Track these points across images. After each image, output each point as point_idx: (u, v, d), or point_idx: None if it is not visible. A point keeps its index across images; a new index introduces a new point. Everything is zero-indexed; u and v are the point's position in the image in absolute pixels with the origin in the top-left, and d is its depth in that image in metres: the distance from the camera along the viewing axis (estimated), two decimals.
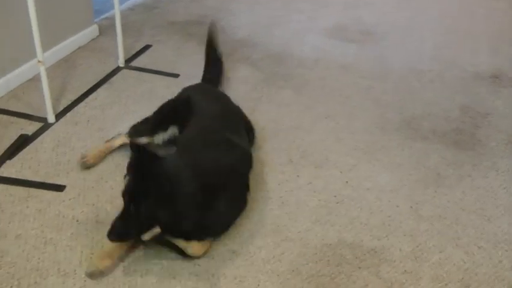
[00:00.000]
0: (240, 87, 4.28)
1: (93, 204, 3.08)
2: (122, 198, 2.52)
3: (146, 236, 2.56)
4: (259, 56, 4.93)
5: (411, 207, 3.16)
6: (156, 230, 2.53)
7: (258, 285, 2.62)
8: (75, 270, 2.66)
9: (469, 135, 3.83)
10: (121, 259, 2.69)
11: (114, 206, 3.04)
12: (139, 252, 2.75)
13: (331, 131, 3.85)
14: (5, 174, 3.26)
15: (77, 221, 2.96)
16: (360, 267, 2.75)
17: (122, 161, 3.38)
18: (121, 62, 4.55)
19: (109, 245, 2.66)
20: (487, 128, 3.92)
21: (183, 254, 2.69)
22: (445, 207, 3.17)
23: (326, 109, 4.12)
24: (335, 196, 3.22)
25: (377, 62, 4.91)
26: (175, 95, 3.62)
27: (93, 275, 2.60)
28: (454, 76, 4.68)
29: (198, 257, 2.70)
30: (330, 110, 4.10)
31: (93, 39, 5.07)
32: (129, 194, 2.48)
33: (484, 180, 3.40)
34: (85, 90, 4.19)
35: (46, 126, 3.74)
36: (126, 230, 2.52)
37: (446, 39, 5.52)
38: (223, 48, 4.66)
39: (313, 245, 2.86)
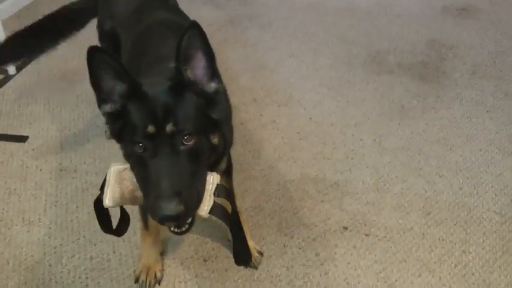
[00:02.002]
0: (204, 29, 4.18)
1: (57, 153, 3.06)
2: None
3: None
4: None
5: (375, 140, 3.17)
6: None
7: (221, 223, 2.62)
8: (39, 219, 2.67)
9: (434, 68, 3.82)
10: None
11: (78, 153, 3.04)
12: None
13: (296, 69, 3.83)
14: None
15: (41, 170, 2.95)
16: (322, 201, 2.77)
17: (84, 109, 3.37)
18: None
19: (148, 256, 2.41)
20: (452, 60, 3.91)
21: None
22: (408, 138, 3.19)
23: (291, 48, 4.08)
24: (298, 133, 3.22)
25: None
26: None
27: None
28: (421, 10, 4.63)
29: None
30: (294, 49, 4.06)
31: None
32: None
33: (447, 111, 3.41)
34: None
35: (7, 78, 3.69)
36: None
37: None
38: None
39: (276, 181, 2.88)
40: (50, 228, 2.61)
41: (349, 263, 2.47)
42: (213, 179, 1.79)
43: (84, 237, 2.56)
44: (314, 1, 4.77)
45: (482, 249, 2.55)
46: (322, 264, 2.47)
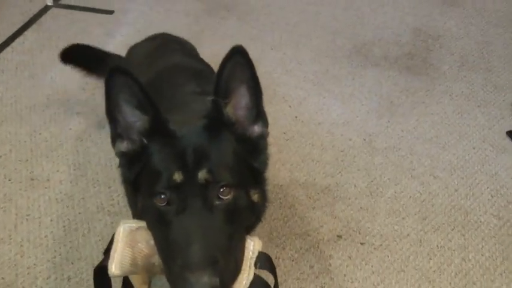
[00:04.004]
0: (180, 20, 3.99)
1: (27, 160, 2.85)
2: None
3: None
4: None
5: (364, 139, 3.03)
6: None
7: None
8: (10, 236, 2.47)
9: (421, 60, 3.68)
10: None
11: (50, 160, 2.84)
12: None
13: (279, 62, 3.65)
14: None
15: (10, 180, 2.75)
16: (313, 208, 2.63)
17: (56, 110, 3.16)
18: (49, 0, 4.18)
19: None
20: (439, 51, 3.77)
21: None
22: (399, 137, 3.06)
23: (272, 39, 3.89)
24: (285, 133, 3.06)
25: None
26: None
27: None
28: None
29: None
30: (276, 40, 3.88)
31: None
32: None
33: (437, 106, 3.29)
34: (11, 33, 3.84)
35: None
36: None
37: None
38: None
39: None
40: (21, 246, 2.42)
41: (345, 275, 2.35)
42: (253, 246, 1.44)
43: (60, 255, 2.38)
44: None
45: (482, 255, 2.46)
46: (317, 277, 2.34)
